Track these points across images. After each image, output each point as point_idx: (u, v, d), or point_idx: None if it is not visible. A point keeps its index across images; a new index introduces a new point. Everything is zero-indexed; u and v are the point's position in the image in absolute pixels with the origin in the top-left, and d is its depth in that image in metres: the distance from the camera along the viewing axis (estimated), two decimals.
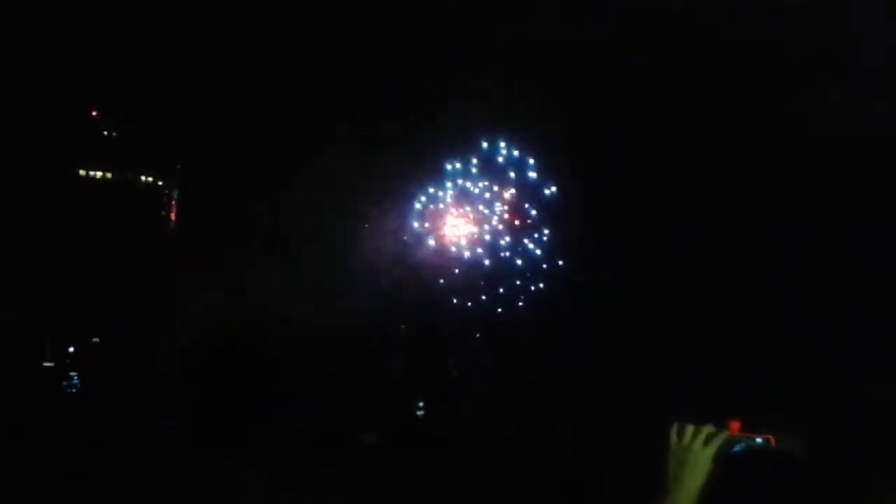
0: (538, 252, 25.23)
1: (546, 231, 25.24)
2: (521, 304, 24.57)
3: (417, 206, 24.44)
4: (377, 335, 19.45)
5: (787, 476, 2.40)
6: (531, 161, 25.02)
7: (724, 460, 2.44)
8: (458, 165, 24.86)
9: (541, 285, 24.69)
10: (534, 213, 25.40)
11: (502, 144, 25.08)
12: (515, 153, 25.04)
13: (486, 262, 24.93)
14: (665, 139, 18.92)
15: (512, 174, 25.23)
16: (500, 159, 25.16)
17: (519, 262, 25.10)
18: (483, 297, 24.60)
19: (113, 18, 20.35)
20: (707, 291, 18.56)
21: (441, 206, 24.81)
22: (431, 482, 4.91)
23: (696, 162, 18.53)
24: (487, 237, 25.10)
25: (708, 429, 2.48)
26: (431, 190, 24.69)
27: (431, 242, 24.47)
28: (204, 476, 2.81)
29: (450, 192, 24.82)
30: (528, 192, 25.23)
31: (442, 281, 24.45)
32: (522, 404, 6.34)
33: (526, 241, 25.29)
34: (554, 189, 24.91)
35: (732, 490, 2.41)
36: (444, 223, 24.79)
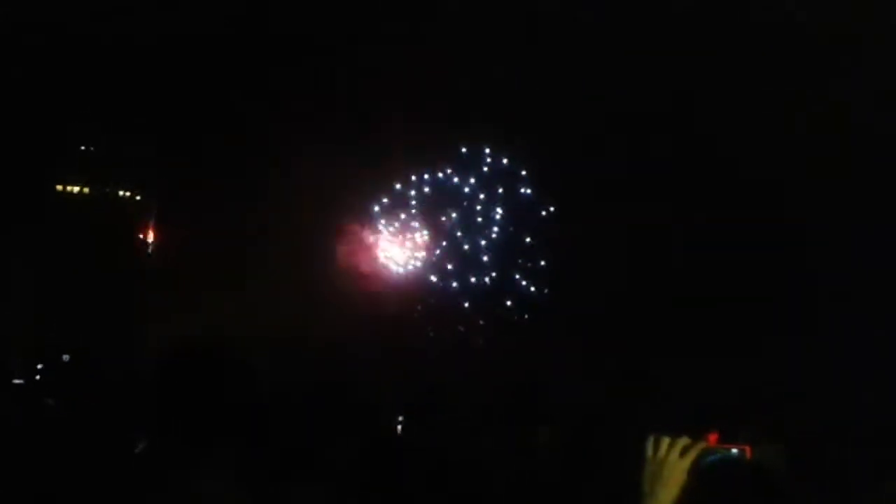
0: (532, 289, 21.40)
1: (542, 262, 21.47)
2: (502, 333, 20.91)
3: (376, 208, 21.26)
4: (357, 345, 18.47)
5: (762, 487, 2.41)
6: (524, 173, 21.47)
7: (698, 472, 2.44)
8: (426, 176, 21.39)
9: (525, 316, 21.20)
10: (528, 239, 21.61)
11: (487, 151, 21.47)
12: (505, 162, 21.48)
13: (466, 304, 21.22)
14: (661, 143, 18.70)
15: (500, 189, 21.55)
16: (486, 169, 21.52)
17: (509, 302, 21.33)
18: (461, 329, 21.21)
19: (89, 26, 20.22)
20: (697, 297, 18.46)
21: (408, 219, 21.46)
22: (410, 494, 4.75)
23: (695, 162, 18.42)
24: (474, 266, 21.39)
25: (684, 440, 2.48)
26: (399, 188, 21.36)
27: (396, 267, 21.28)
28: (176, 488, 2.81)
29: (414, 210, 21.36)
30: (520, 212, 21.59)
31: (419, 308, 21.29)
32: (506, 411, 6.27)
33: (517, 276, 21.50)
34: (552, 209, 21.26)
35: (706, 501, 2.41)
36: (409, 244, 21.39)
